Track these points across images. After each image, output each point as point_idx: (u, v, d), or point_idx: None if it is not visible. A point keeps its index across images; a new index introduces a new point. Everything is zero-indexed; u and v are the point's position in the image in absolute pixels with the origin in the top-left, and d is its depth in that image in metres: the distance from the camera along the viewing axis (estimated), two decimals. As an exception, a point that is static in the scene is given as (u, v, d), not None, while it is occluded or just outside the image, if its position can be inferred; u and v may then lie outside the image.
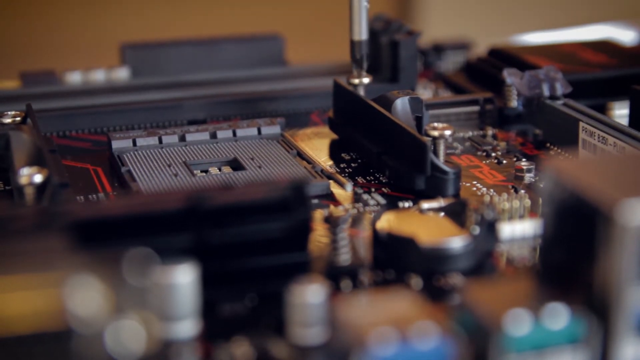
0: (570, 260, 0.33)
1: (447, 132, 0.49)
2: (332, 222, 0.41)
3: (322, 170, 0.51)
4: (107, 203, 0.36)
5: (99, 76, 0.65)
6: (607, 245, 0.31)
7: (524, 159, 0.54)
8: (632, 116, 0.56)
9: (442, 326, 0.30)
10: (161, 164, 0.52)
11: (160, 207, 0.36)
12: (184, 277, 0.33)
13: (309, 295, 0.34)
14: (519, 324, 0.31)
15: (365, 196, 0.49)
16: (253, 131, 0.56)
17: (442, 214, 0.44)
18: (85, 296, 0.26)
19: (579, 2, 1.23)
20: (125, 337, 0.26)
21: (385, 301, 0.32)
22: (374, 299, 0.32)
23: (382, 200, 0.49)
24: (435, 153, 0.49)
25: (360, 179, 0.52)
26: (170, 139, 0.55)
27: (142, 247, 0.29)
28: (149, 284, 0.27)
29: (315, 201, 0.48)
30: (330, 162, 0.54)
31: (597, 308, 0.32)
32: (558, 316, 0.31)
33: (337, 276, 0.40)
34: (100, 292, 0.26)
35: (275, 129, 0.57)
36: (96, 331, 0.25)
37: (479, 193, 0.49)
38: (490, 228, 0.42)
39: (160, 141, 0.55)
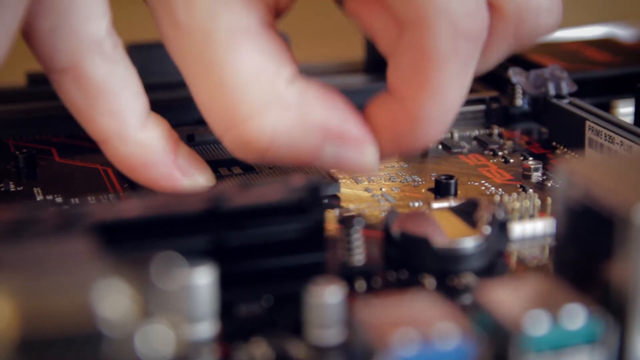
0: (586, 260, 0.34)
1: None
2: (345, 223, 0.41)
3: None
4: (125, 205, 0.37)
5: (104, 76, 0.65)
6: (624, 246, 0.32)
7: (530, 158, 0.54)
8: (637, 114, 0.56)
9: (462, 326, 0.31)
10: (171, 164, 0.52)
11: (180, 209, 0.36)
12: (203, 279, 0.34)
13: (327, 296, 0.34)
14: (538, 324, 0.31)
15: (376, 196, 0.49)
16: (261, 131, 0.56)
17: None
18: (114, 299, 0.26)
19: (581, 1, 1.23)
20: (156, 341, 0.26)
21: (405, 302, 0.32)
22: (393, 300, 0.32)
23: (393, 200, 0.49)
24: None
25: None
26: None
27: (169, 251, 0.30)
28: (176, 287, 0.27)
29: (324, 202, 0.48)
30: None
31: (613, 308, 0.32)
32: (576, 316, 0.31)
33: (351, 277, 0.40)
34: (129, 295, 0.26)
35: (283, 129, 0.57)
36: (127, 334, 0.26)
37: (488, 192, 0.50)
38: (501, 228, 0.42)
39: (169, 141, 0.55)
